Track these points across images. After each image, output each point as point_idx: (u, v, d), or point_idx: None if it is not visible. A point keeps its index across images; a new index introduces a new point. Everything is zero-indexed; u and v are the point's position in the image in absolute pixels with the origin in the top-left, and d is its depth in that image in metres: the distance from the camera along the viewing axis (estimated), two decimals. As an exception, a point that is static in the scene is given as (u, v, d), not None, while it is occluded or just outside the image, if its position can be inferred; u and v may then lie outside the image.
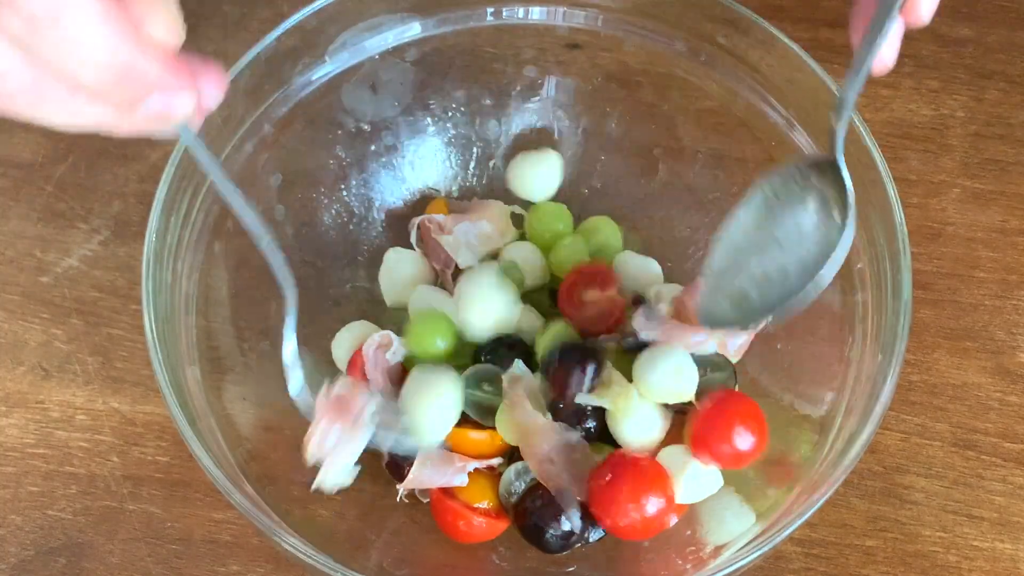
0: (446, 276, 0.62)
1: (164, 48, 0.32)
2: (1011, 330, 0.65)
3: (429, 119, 0.66)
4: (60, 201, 0.69)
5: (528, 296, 0.61)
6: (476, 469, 0.56)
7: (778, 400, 0.59)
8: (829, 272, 0.47)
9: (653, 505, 0.53)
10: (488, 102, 0.66)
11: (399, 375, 0.58)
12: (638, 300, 0.59)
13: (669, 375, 0.55)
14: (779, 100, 0.59)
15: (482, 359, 0.58)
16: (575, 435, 0.55)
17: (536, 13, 0.62)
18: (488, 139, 0.66)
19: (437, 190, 0.66)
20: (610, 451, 0.56)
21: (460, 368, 0.57)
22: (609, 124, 0.66)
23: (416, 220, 0.63)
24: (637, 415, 0.55)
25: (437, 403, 0.54)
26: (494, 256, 0.63)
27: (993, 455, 0.62)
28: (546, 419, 0.54)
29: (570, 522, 0.54)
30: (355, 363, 0.58)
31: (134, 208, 0.68)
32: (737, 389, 0.59)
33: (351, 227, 0.64)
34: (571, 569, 0.56)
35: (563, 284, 0.60)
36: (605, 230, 0.64)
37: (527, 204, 0.65)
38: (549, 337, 0.58)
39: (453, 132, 0.66)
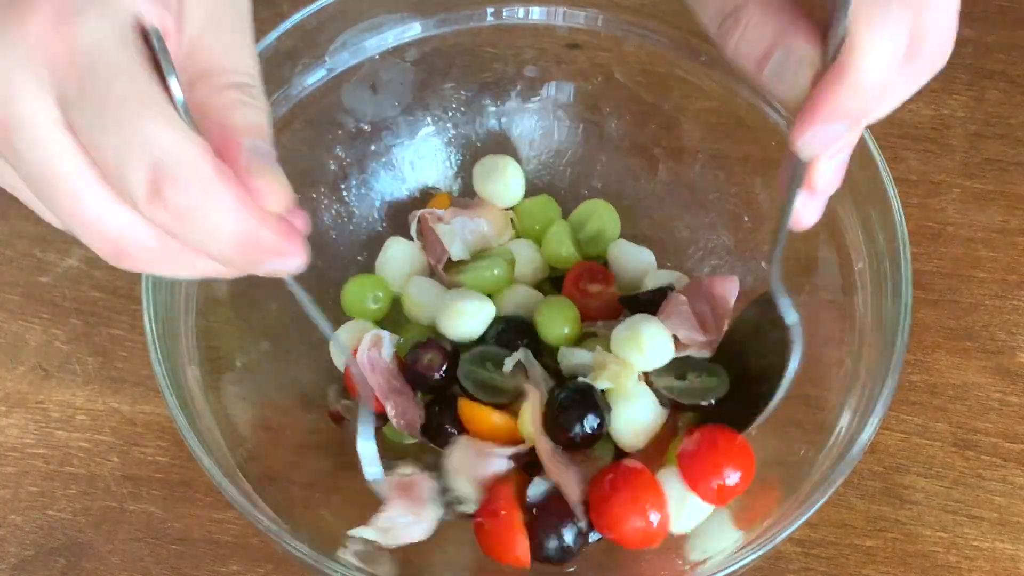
0: (438, 270, 0.62)
1: (279, 218, 0.36)
2: (1011, 330, 0.65)
3: (429, 119, 0.66)
4: (60, 201, 0.69)
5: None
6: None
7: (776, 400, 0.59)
8: (776, 399, 0.52)
9: (655, 516, 0.53)
10: (488, 102, 0.66)
11: (401, 371, 0.58)
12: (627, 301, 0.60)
13: (647, 340, 0.55)
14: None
15: (491, 339, 0.58)
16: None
17: (536, 13, 0.62)
18: (488, 139, 0.66)
19: (438, 188, 0.66)
20: (612, 448, 0.56)
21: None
22: (609, 124, 0.66)
23: (417, 212, 0.63)
24: (635, 399, 0.55)
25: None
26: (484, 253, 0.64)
27: (993, 455, 0.62)
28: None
29: (570, 535, 0.53)
30: (349, 368, 0.57)
31: (134, 208, 0.68)
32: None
33: (351, 227, 0.64)
34: (571, 569, 0.56)
35: (568, 275, 0.61)
36: (602, 214, 0.64)
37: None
38: (552, 312, 0.59)
39: (453, 132, 0.66)
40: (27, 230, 0.68)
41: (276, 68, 0.58)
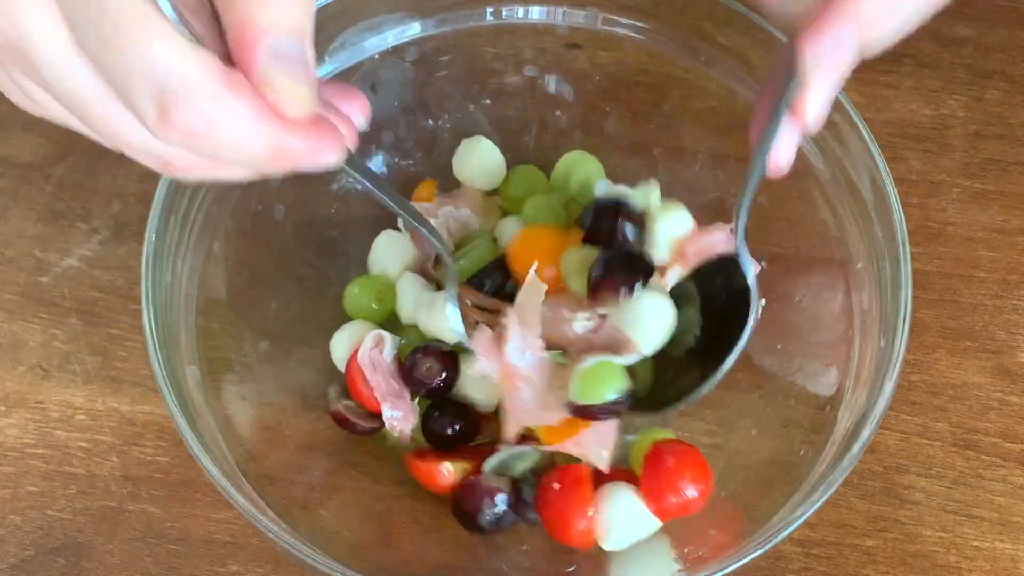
0: (427, 267, 0.62)
1: (306, 120, 0.35)
2: (1011, 330, 0.65)
3: (429, 119, 0.66)
4: (60, 201, 0.69)
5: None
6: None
7: (776, 400, 0.59)
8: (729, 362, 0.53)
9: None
10: (488, 102, 0.66)
11: (400, 372, 0.58)
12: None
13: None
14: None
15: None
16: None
17: (536, 13, 0.62)
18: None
19: (421, 176, 0.66)
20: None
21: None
22: (609, 124, 0.66)
23: None
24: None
25: None
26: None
27: (993, 455, 0.62)
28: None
29: (500, 506, 0.55)
30: (353, 367, 0.58)
31: (134, 208, 0.68)
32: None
33: (351, 226, 0.64)
34: (571, 569, 0.56)
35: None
36: (585, 164, 0.64)
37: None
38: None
39: (453, 132, 0.66)
40: (27, 230, 0.68)
41: (276, 68, 0.58)
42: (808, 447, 0.54)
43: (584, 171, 0.63)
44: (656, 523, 0.55)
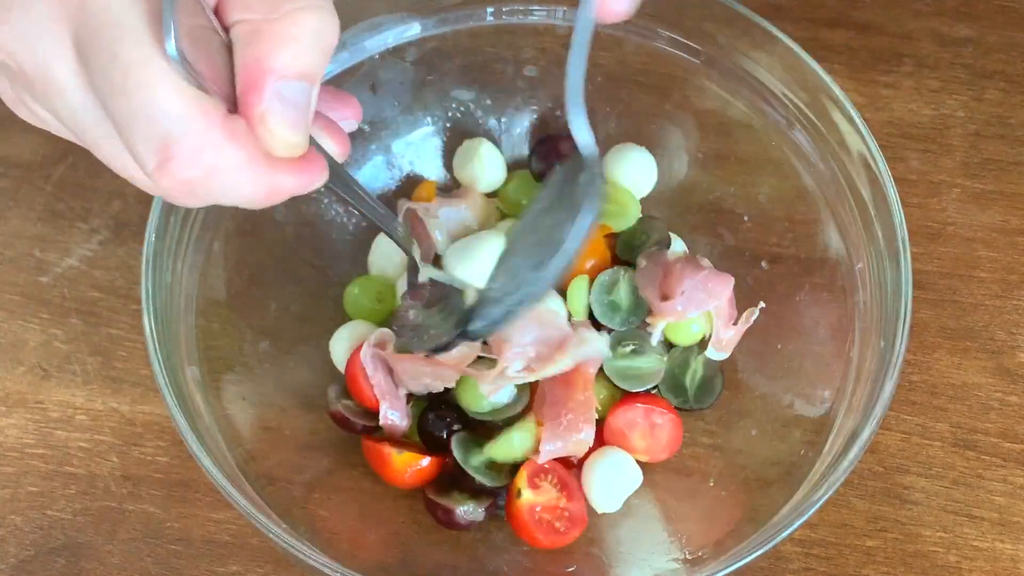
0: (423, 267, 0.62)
1: (291, 156, 0.36)
2: (1011, 330, 0.65)
3: (429, 119, 0.66)
4: (60, 201, 0.69)
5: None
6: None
7: (776, 400, 0.59)
8: (575, 238, 0.43)
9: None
10: (488, 102, 0.66)
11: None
12: None
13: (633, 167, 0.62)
14: (779, 100, 0.59)
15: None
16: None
17: (536, 13, 0.62)
18: (488, 139, 0.66)
19: (421, 175, 0.66)
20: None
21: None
22: (609, 124, 0.66)
23: (405, 204, 0.63)
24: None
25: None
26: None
27: (993, 455, 0.62)
28: None
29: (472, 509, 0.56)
30: (353, 365, 0.58)
31: (134, 208, 0.68)
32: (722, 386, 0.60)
33: (351, 227, 0.64)
34: (571, 569, 0.56)
35: None
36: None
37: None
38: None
39: (453, 132, 0.66)
40: (27, 230, 0.68)
41: (276, 68, 0.58)
42: (808, 447, 0.54)
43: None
44: (638, 473, 0.57)
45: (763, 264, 0.62)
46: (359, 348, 0.58)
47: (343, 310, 0.62)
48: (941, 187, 0.70)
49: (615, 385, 0.58)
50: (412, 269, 0.53)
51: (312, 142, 0.38)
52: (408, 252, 0.52)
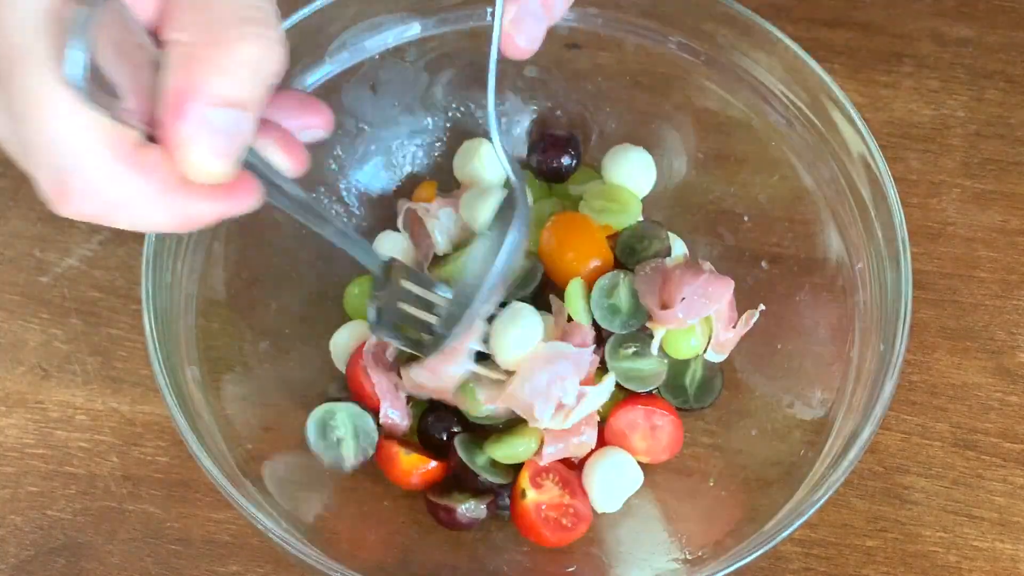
0: (422, 267, 0.62)
1: (213, 183, 0.34)
2: (1011, 330, 0.65)
3: (429, 119, 0.66)
4: (60, 201, 0.69)
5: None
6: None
7: (776, 400, 0.59)
8: (503, 259, 0.49)
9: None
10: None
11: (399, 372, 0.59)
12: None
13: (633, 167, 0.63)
14: (779, 100, 0.59)
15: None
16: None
17: (536, 13, 0.61)
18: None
19: (422, 175, 0.66)
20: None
21: None
22: (609, 124, 0.66)
23: (405, 204, 0.63)
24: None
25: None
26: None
27: (993, 455, 0.62)
28: None
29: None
30: (355, 364, 0.58)
31: (134, 208, 0.68)
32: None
33: (351, 227, 0.64)
34: (571, 569, 0.56)
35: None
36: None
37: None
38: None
39: (453, 132, 0.66)
40: (27, 230, 0.68)
41: (276, 68, 0.58)
42: (808, 447, 0.54)
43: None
44: (638, 473, 0.58)
45: (763, 264, 0.62)
46: (360, 348, 0.58)
47: (343, 310, 0.62)
48: (941, 187, 0.70)
49: (616, 386, 0.58)
50: (380, 287, 0.52)
51: (254, 157, 0.37)
52: (372, 270, 0.51)
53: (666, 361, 0.60)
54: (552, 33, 0.62)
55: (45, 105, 0.31)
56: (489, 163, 0.64)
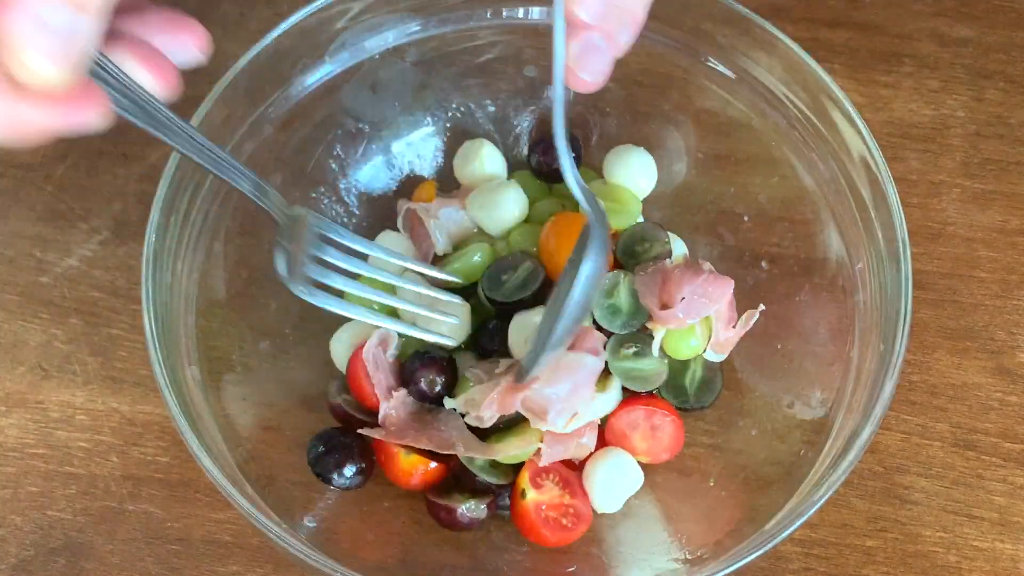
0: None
1: (48, 91, 0.32)
2: (1011, 330, 0.65)
3: (429, 119, 0.66)
4: (60, 201, 0.69)
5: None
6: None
7: (776, 400, 0.59)
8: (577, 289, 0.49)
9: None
10: (488, 102, 0.66)
11: (399, 372, 0.58)
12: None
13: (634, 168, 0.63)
14: (779, 100, 0.59)
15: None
16: None
17: (536, 13, 0.62)
18: (488, 139, 0.66)
19: (422, 176, 0.66)
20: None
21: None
22: (609, 124, 0.66)
23: (404, 204, 0.63)
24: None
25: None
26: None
27: (993, 455, 0.62)
28: None
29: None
30: (355, 363, 0.58)
31: (134, 208, 0.68)
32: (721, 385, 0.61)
33: (351, 227, 0.64)
34: (571, 569, 0.56)
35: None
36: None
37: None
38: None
39: (453, 132, 0.66)
40: (27, 230, 0.68)
41: (276, 68, 0.58)
42: (808, 447, 0.54)
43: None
44: (639, 474, 0.58)
45: (763, 264, 0.62)
46: (360, 347, 0.58)
47: (344, 310, 0.62)
48: (941, 187, 0.70)
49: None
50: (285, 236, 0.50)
51: (109, 72, 0.35)
52: (269, 209, 0.49)
53: (666, 361, 0.60)
54: (552, 33, 0.63)
55: None
56: (490, 164, 0.64)
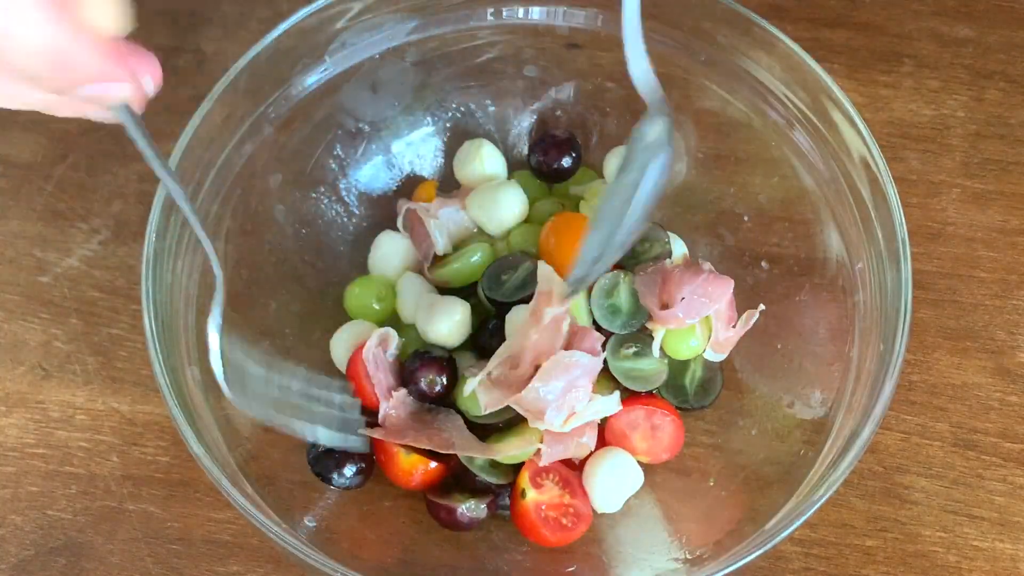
0: (422, 267, 0.62)
1: (101, 36, 0.33)
2: (1011, 330, 0.65)
3: (429, 119, 0.66)
4: (60, 201, 0.69)
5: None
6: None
7: (776, 400, 0.59)
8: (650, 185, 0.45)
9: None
10: (488, 102, 0.66)
11: (399, 372, 0.59)
12: None
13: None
14: (779, 100, 0.59)
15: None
16: None
17: (536, 13, 0.62)
18: (488, 139, 0.66)
19: (422, 176, 0.66)
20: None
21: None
22: (609, 124, 0.66)
23: (404, 204, 0.63)
24: None
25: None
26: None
27: (993, 455, 0.62)
28: None
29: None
30: (355, 363, 0.58)
31: (134, 208, 0.68)
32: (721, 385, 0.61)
33: (351, 227, 0.64)
34: (571, 569, 0.56)
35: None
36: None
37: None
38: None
39: (453, 132, 0.66)
40: (27, 230, 0.68)
41: (276, 68, 0.58)
42: (808, 447, 0.54)
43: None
44: (639, 473, 0.58)
45: (763, 264, 0.62)
46: (360, 347, 0.58)
47: (343, 310, 0.62)
48: (941, 187, 0.70)
49: (616, 387, 0.58)
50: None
51: None
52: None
53: (666, 361, 0.60)
54: (552, 33, 0.63)
55: None
56: (490, 164, 0.64)
